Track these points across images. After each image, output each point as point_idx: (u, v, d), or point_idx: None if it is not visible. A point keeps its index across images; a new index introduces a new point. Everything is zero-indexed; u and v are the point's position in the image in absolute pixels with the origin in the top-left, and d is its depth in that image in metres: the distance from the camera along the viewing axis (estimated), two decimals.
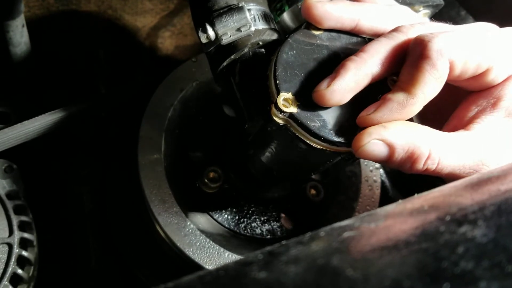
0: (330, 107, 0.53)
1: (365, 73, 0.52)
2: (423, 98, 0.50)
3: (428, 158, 0.51)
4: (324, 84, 0.52)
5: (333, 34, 0.58)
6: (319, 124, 0.52)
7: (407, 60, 0.51)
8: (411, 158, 0.51)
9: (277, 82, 0.53)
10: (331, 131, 0.52)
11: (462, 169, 0.52)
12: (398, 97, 0.50)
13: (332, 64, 0.54)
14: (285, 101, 0.52)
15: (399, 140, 0.51)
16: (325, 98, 0.51)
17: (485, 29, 0.56)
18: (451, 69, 0.50)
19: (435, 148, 0.51)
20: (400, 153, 0.51)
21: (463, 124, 0.55)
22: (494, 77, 0.53)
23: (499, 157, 0.52)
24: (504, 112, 0.53)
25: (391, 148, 0.51)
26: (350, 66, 0.52)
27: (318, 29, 0.57)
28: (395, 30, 0.54)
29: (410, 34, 0.53)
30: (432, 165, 0.51)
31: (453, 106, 0.59)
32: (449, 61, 0.50)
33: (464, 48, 0.51)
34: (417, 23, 0.55)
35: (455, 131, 0.54)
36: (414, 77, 0.50)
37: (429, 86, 0.50)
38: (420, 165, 0.51)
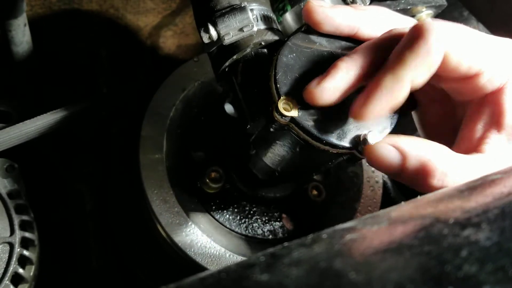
0: (332, 110, 0.52)
1: (356, 73, 0.51)
2: (409, 81, 0.48)
3: (444, 174, 0.49)
4: (314, 83, 0.51)
5: (333, 36, 0.57)
6: (321, 127, 0.52)
7: (401, 41, 0.50)
8: (423, 171, 0.49)
9: (278, 85, 0.53)
10: (333, 134, 0.52)
11: None
12: (385, 81, 0.48)
13: None
14: (286, 105, 0.52)
15: (412, 150, 0.50)
16: (315, 96, 0.51)
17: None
18: (445, 60, 0.49)
19: (450, 167, 0.49)
20: (412, 162, 0.49)
21: (474, 146, 0.53)
22: (487, 81, 0.52)
23: None
24: (510, 129, 0.52)
25: (403, 155, 0.49)
26: (340, 65, 0.51)
27: (318, 32, 0.57)
28: (389, 32, 0.53)
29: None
30: (447, 183, 0.49)
31: (452, 121, 0.58)
32: (444, 52, 0.48)
33: (461, 42, 0.49)
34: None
35: (469, 153, 0.52)
36: (404, 56, 0.48)
37: (418, 71, 0.48)
38: (434, 180, 0.49)
